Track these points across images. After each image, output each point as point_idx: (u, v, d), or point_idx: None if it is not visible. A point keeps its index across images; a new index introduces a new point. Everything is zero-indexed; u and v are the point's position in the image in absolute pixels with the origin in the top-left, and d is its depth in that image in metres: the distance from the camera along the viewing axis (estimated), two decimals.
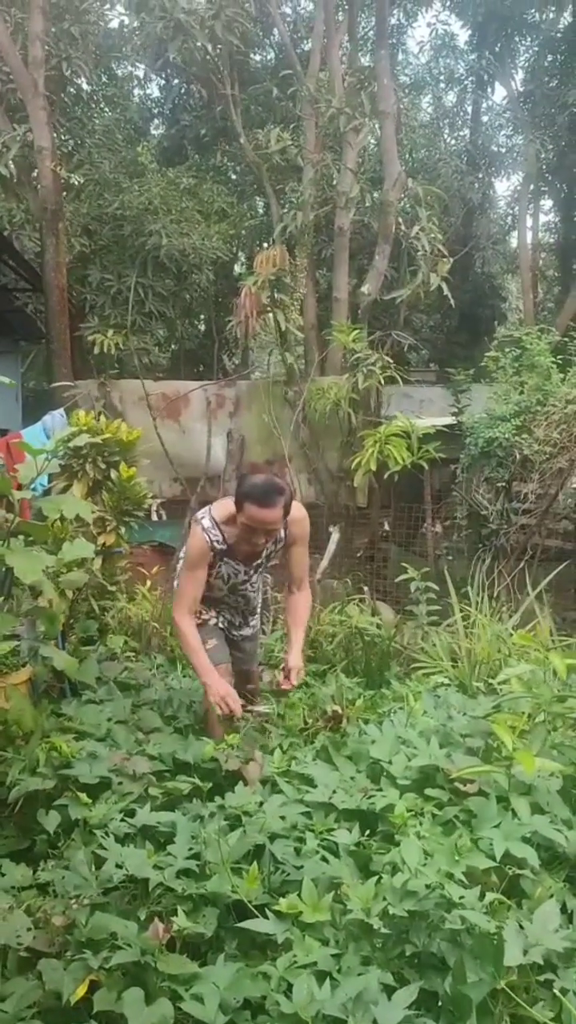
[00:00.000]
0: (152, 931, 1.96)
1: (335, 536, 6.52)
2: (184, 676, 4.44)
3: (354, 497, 8.76)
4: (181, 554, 3.89)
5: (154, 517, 8.95)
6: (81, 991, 1.85)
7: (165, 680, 4.26)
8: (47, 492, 4.61)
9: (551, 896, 2.10)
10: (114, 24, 12.58)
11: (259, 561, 3.51)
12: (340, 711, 3.58)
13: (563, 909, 2.06)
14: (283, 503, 3.16)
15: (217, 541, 3.35)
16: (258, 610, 3.85)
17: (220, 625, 3.67)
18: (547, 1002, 1.84)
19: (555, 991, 1.81)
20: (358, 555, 8.60)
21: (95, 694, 3.69)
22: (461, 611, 4.94)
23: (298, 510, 3.41)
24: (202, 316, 15.72)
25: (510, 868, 2.18)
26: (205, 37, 10.07)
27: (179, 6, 9.46)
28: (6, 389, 10.97)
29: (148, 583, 5.75)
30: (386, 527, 8.96)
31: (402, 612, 6.05)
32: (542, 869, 2.23)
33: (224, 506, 3.34)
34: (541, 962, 1.81)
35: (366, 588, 6.71)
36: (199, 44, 10.18)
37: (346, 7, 12.59)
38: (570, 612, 6.15)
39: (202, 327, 16.13)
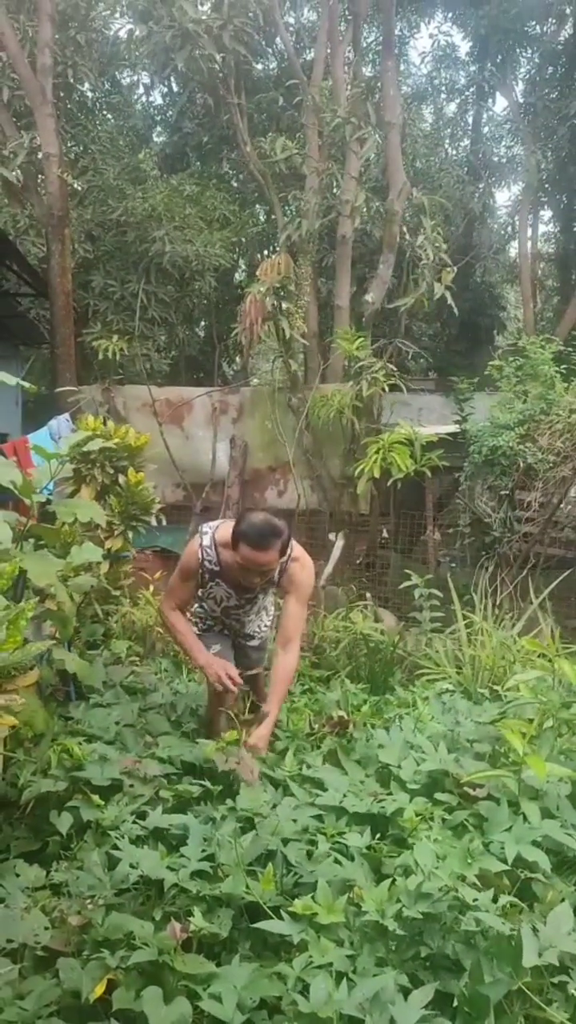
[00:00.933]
0: (169, 931, 1.97)
1: (339, 543, 6.54)
2: (190, 680, 4.46)
3: (356, 504, 8.79)
4: None
5: (155, 522, 8.96)
6: (99, 990, 1.86)
7: (171, 684, 4.28)
8: (50, 496, 4.62)
9: (563, 900, 2.12)
10: (122, 33, 12.66)
11: (251, 595, 3.48)
12: (346, 716, 3.60)
13: (575, 912, 2.07)
14: (279, 545, 3.12)
15: (209, 561, 3.35)
16: (262, 629, 3.81)
17: (225, 632, 3.69)
18: (561, 1003, 1.86)
19: (571, 991, 1.83)
20: (358, 562, 8.62)
21: (101, 697, 3.70)
22: (464, 618, 4.97)
23: (301, 564, 3.35)
24: (203, 323, 15.77)
25: (522, 872, 2.20)
26: (212, 46, 10.14)
27: (188, 16, 9.53)
28: (6, 394, 11.00)
29: (151, 588, 5.77)
30: (385, 534, 8.98)
31: (404, 619, 6.08)
32: (553, 873, 2.25)
33: (227, 529, 3.30)
34: (556, 964, 1.83)
35: (368, 595, 6.73)
36: (206, 53, 10.25)
37: (349, 17, 12.67)
38: (572, 620, 6.18)
39: (203, 334, 16.18)
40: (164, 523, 8.50)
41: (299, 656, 3.52)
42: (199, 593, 3.55)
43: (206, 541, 3.35)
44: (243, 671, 3.72)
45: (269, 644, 3.91)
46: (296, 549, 3.32)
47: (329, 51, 11.45)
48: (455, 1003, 1.87)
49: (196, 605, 3.67)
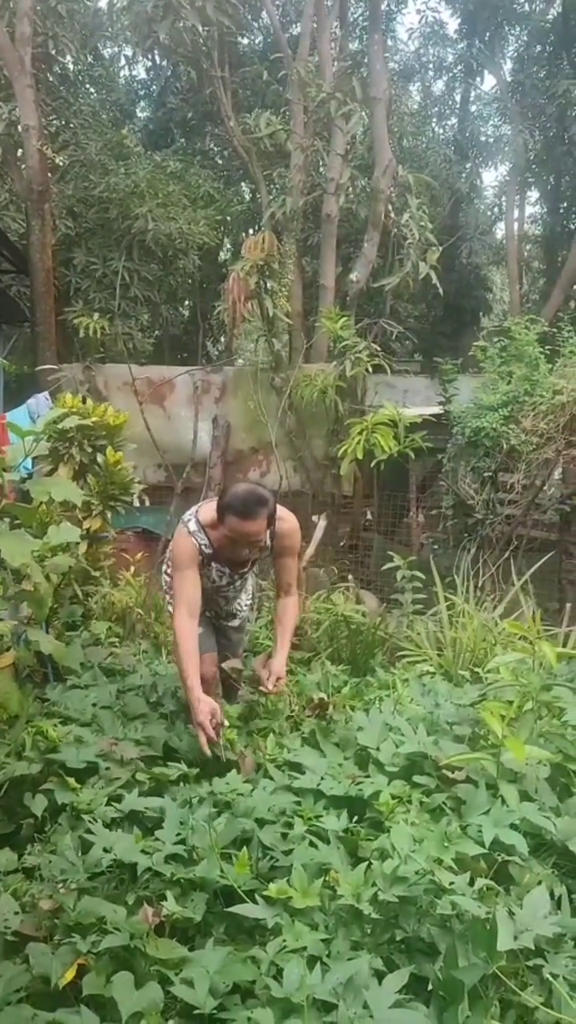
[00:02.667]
0: (141, 915, 1.95)
1: (322, 524, 6.51)
2: (169, 663, 4.43)
3: (339, 485, 8.76)
4: (167, 556, 3.78)
5: (136, 503, 8.91)
6: (70, 975, 1.84)
7: (150, 666, 4.24)
8: (30, 476, 4.56)
9: (539, 883, 2.11)
10: (103, 3, 12.43)
11: (244, 569, 3.48)
12: (326, 698, 3.57)
13: (551, 895, 2.07)
14: (266, 514, 3.09)
15: (204, 545, 3.29)
16: (243, 608, 3.80)
17: (207, 614, 3.65)
18: (536, 987, 1.85)
19: (545, 975, 1.82)
20: (341, 544, 8.60)
21: (79, 679, 3.67)
22: (446, 600, 4.95)
23: (287, 522, 3.33)
24: (187, 302, 15.61)
25: (499, 855, 2.19)
26: (196, 18, 9.95)
27: None
28: None
29: (132, 569, 5.72)
30: (369, 516, 8.96)
31: (386, 601, 6.07)
32: (530, 856, 2.24)
33: (210, 509, 3.25)
34: (531, 947, 1.82)
35: (350, 576, 6.71)
36: (189, 25, 10.06)
37: None
38: (553, 603, 6.18)
39: (187, 313, 16.03)
40: (147, 503, 8.48)
41: (298, 598, 3.61)
42: None
43: (192, 527, 3.29)
44: (225, 657, 3.72)
45: (248, 625, 3.88)
46: (280, 510, 3.28)
47: (315, 25, 11.28)
48: (430, 987, 1.85)
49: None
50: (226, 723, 2.95)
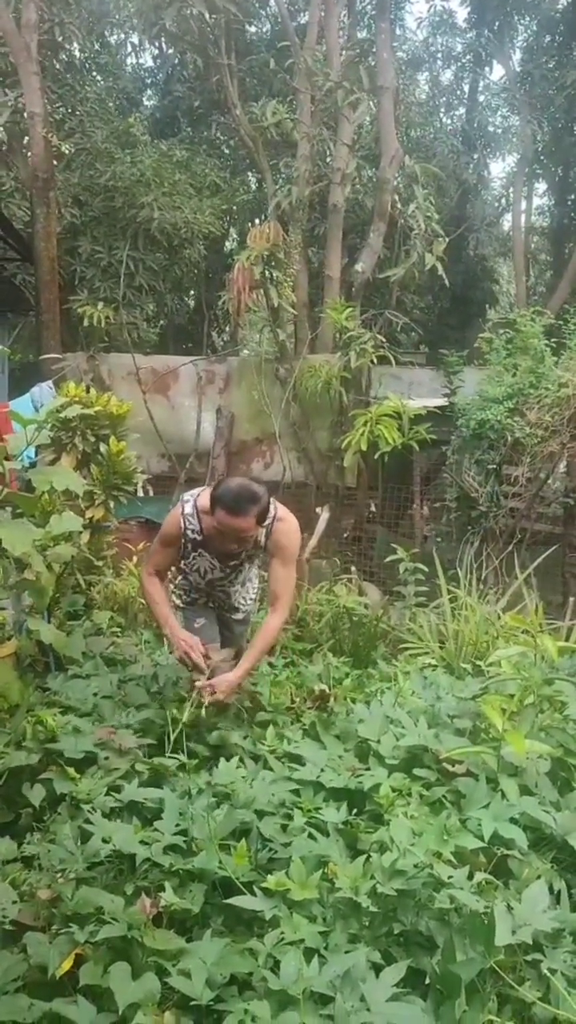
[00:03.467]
0: (139, 906, 1.95)
1: (325, 516, 6.49)
2: (171, 652, 4.42)
3: (343, 477, 8.74)
4: None
5: (140, 493, 8.90)
6: (67, 965, 1.84)
7: (152, 656, 4.23)
8: (33, 465, 4.55)
9: (539, 877, 2.10)
10: None
11: (236, 562, 3.39)
12: (327, 690, 3.57)
13: (550, 890, 2.06)
14: (256, 512, 3.02)
15: (192, 530, 3.28)
16: (247, 601, 3.77)
17: (210, 604, 3.65)
18: (534, 982, 1.84)
19: (543, 971, 1.81)
20: (344, 536, 8.59)
21: (81, 669, 3.66)
22: (448, 593, 4.94)
23: (286, 523, 3.26)
24: (192, 292, 15.57)
25: (498, 849, 2.18)
26: (203, 5, 9.89)
27: None
28: None
29: (134, 559, 5.72)
30: (372, 508, 8.95)
31: (389, 593, 6.06)
32: (530, 850, 2.23)
33: (208, 495, 3.21)
34: (529, 942, 1.81)
35: (353, 568, 6.70)
36: (196, 12, 10.00)
37: None
38: (556, 596, 6.17)
39: (192, 303, 15.98)
40: (150, 494, 8.48)
41: (285, 616, 3.40)
42: (183, 566, 3.48)
43: (188, 509, 3.28)
44: (226, 646, 3.72)
45: (253, 617, 3.87)
46: (281, 510, 3.24)
47: (323, 13, 11.20)
48: (427, 981, 1.85)
49: (180, 578, 3.61)
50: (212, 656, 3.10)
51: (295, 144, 10.53)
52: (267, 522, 3.18)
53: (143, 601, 5.15)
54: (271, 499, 3.19)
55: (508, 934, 1.79)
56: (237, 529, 3.04)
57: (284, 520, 3.25)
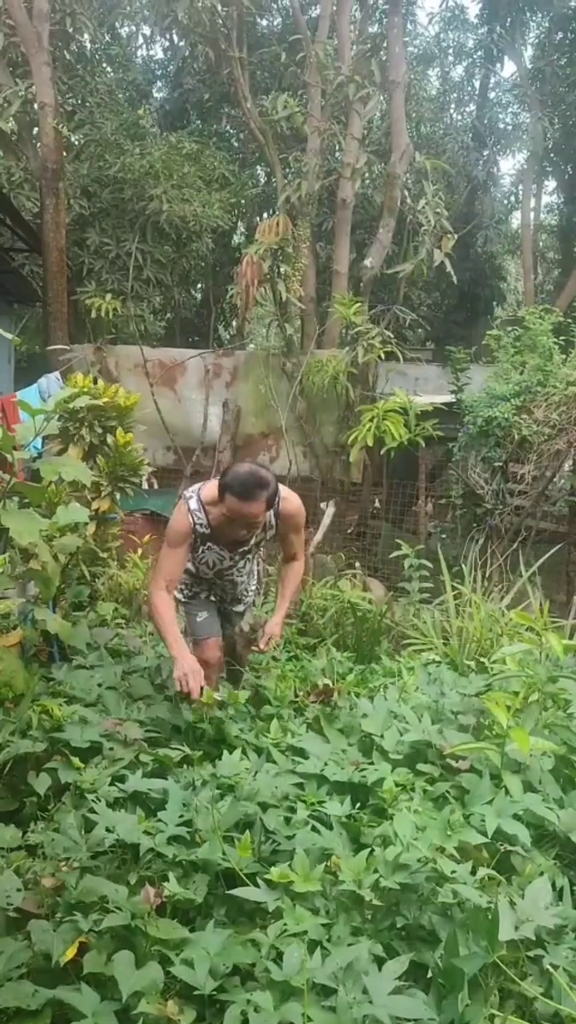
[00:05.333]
0: (143, 895, 1.95)
1: (330, 511, 6.50)
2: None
3: (349, 472, 8.73)
4: None
5: (145, 485, 8.91)
6: (71, 953, 1.84)
7: (155, 648, 4.24)
8: (40, 455, 4.55)
9: (541, 874, 2.11)
10: None
11: (245, 548, 3.43)
12: (331, 685, 3.57)
13: (553, 887, 2.06)
14: (266, 497, 3.06)
15: (200, 524, 3.29)
16: (249, 592, 3.79)
17: (212, 598, 3.65)
18: (536, 977, 1.85)
19: (545, 966, 1.82)
20: (349, 531, 8.59)
21: (85, 659, 3.66)
22: (453, 590, 4.94)
23: (291, 502, 3.33)
24: (199, 285, 15.56)
25: (501, 845, 2.19)
26: None
27: None
28: None
29: (139, 551, 5.73)
30: (377, 504, 8.94)
31: (393, 589, 6.06)
32: (533, 847, 2.23)
33: (213, 487, 3.24)
34: (532, 938, 1.82)
35: (357, 564, 6.70)
36: (208, 4, 9.97)
37: None
38: (560, 594, 6.17)
39: (199, 296, 15.97)
40: (155, 486, 8.48)
41: (304, 566, 3.70)
42: (190, 563, 3.49)
43: (193, 504, 3.29)
44: (230, 643, 3.73)
45: (253, 610, 3.88)
46: (283, 490, 3.29)
47: (335, 7, 11.16)
48: (430, 974, 1.85)
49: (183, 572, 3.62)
50: (208, 691, 3.04)
51: (305, 138, 10.50)
52: (271, 510, 3.22)
53: (147, 593, 5.18)
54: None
55: (511, 929, 1.79)
56: (248, 515, 3.07)
57: (287, 499, 3.33)
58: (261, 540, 3.46)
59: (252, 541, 3.39)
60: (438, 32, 17.31)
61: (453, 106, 17.65)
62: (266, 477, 3.09)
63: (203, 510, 3.27)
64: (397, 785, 2.48)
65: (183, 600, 3.65)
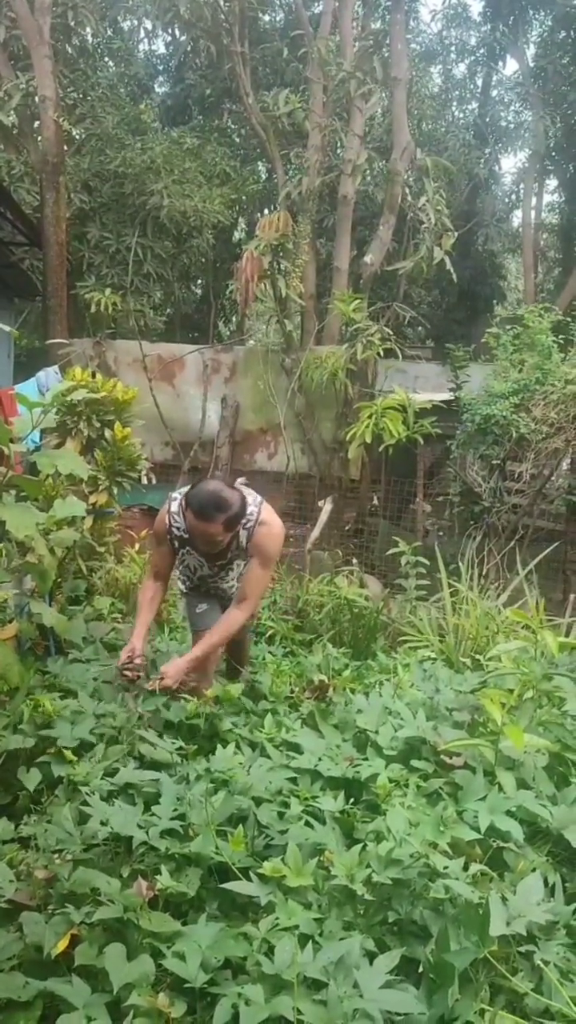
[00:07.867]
0: (136, 888, 1.95)
1: (327, 507, 6.49)
2: (171, 639, 4.43)
3: (347, 469, 8.74)
4: None
5: (143, 480, 8.89)
6: (62, 945, 1.84)
7: (152, 643, 4.24)
8: (38, 448, 4.54)
9: (534, 870, 2.11)
10: None
11: (223, 561, 3.35)
12: (326, 681, 3.57)
13: (545, 883, 2.07)
14: (223, 519, 2.99)
15: (178, 528, 3.27)
16: None
17: (211, 592, 3.64)
18: (527, 973, 1.85)
19: (536, 962, 1.82)
20: (346, 528, 8.59)
21: (81, 653, 3.66)
22: (449, 587, 4.94)
23: (269, 527, 3.21)
24: (199, 281, 15.54)
25: (494, 841, 2.19)
26: None
27: None
28: None
29: (136, 546, 5.72)
30: (375, 501, 8.95)
31: (390, 586, 6.06)
32: (526, 843, 2.24)
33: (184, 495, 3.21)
34: (523, 934, 1.82)
35: (354, 560, 6.70)
36: None
37: None
38: (556, 593, 6.17)
39: (199, 292, 15.95)
40: (154, 481, 8.48)
41: (250, 614, 3.34)
42: (177, 562, 3.49)
43: (174, 507, 3.27)
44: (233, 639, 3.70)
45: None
46: (265, 513, 3.22)
47: (337, 3, 11.14)
48: (421, 969, 1.86)
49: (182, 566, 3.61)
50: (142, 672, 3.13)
51: (306, 134, 10.49)
52: (248, 524, 3.16)
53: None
54: (257, 503, 3.20)
55: (502, 925, 1.80)
56: (203, 533, 3.06)
57: (267, 524, 3.21)
58: (238, 555, 3.34)
59: (228, 555, 3.31)
60: (441, 29, 17.32)
61: (455, 104, 17.64)
62: (229, 500, 3.01)
63: (182, 514, 3.22)
64: (391, 781, 2.48)
65: (184, 591, 3.64)
